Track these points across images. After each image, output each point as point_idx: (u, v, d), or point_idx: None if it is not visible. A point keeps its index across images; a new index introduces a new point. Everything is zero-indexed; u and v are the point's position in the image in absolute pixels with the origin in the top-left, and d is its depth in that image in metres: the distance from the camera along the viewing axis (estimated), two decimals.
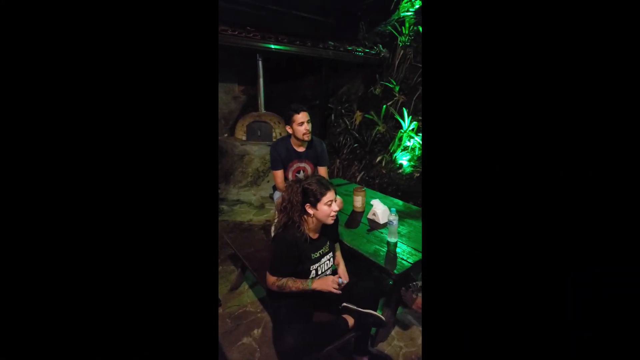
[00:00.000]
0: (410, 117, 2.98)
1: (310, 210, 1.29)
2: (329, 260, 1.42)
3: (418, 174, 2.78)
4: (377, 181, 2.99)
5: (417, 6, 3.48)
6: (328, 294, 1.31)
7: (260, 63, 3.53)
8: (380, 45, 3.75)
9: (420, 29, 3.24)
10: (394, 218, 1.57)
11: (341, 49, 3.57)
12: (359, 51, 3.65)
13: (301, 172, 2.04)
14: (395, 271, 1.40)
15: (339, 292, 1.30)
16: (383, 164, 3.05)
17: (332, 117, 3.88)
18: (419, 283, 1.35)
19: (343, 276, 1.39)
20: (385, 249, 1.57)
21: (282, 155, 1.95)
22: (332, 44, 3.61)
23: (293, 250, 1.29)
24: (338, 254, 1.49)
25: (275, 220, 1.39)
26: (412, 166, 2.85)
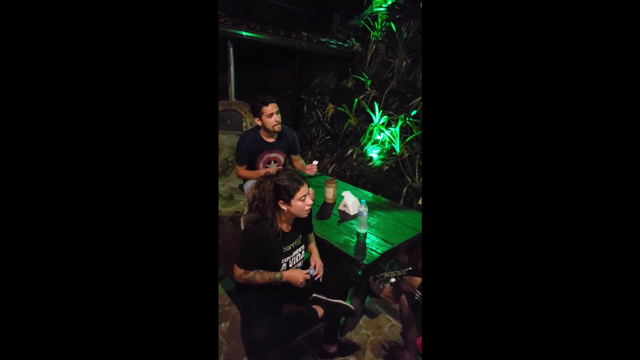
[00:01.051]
0: (381, 111, 3.03)
1: (284, 207, 1.27)
2: (300, 253, 1.41)
3: (387, 167, 2.84)
4: (348, 173, 3.03)
5: (389, 3, 3.53)
6: (296, 287, 1.31)
7: (231, 50, 3.39)
8: (354, 39, 3.76)
9: (393, 25, 3.29)
10: (364, 209, 1.59)
11: (314, 41, 3.53)
12: (332, 44, 3.64)
13: (272, 162, 2.00)
14: (364, 261, 1.42)
15: (302, 285, 1.31)
16: (354, 156, 3.08)
17: (305, 109, 3.84)
18: (386, 274, 1.39)
19: (317, 265, 1.39)
20: (355, 240, 1.59)
21: (250, 148, 1.89)
22: (306, 34, 3.55)
23: (264, 244, 1.26)
24: (312, 244, 1.49)
25: (245, 214, 1.35)
26: (381, 159, 2.91)
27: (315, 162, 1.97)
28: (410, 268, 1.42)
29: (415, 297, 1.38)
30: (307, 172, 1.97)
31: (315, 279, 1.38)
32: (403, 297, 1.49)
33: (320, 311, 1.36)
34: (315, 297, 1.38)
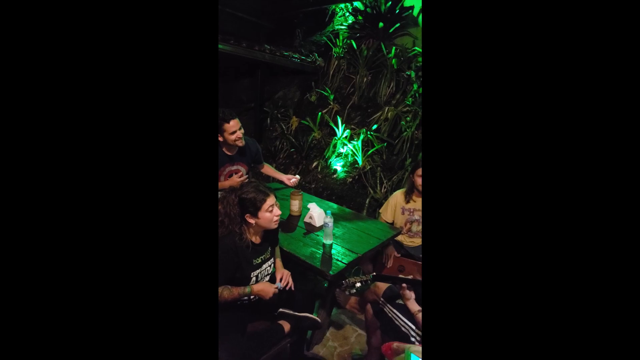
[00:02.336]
0: (344, 125, 3.13)
1: (252, 220, 1.24)
2: (269, 266, 1.38)
3: (351, 179, 2.92)
4: (313, 186, 3.05)
5: (350, 21, 3.71)
6: (265, 301, 1.28)
7: None
8: (316, 54, 3.87)
9: (354, 43, 3.45)
10: (329, 220, 1.62)
11: (277, 54, 3.57)
12: (296, 57, 3.71)
13: (233, 175, 1.95)
14: (330, 272, 1.43)
15: (271, 299, 1.28)
16: (319, 169, 3.12)
17: (268, 121, 3.83)
18: (352, 279, 1.41)
19: (284, 276, 1.37)
20: (321, 252, 1.60)
21: None
22: (269, 47, 3.58)
23: (233, 258, 1.21)
24: (278, 259, 1.47)
25: None
26: (345, 172, 2.99)
27: (297, 177, 1.98)
28: (375, 273, 1.45)
29: (381, 306, 1.41)
30: (286, 183, 1.96)
31: (287, 288, 1.36)
32: (368, 305, 1.51)
33: (286, 326, 1.34)
34: (281, 311, 1.35)
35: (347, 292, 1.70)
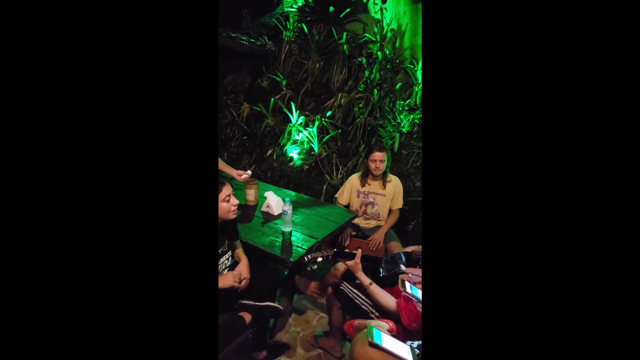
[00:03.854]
0: (298, 111, 3.08)
1: None
2: (227, 259, 1.32)
3: (307, 167, 2.91)
4: (269, 174, 2.98)
5: (300, 4, 3.61)
6: (224, 293, 1.22)
7: None
8: (266, 37, 3.71)
9: (305, 27, 3.38)
10: (288, 207, 1.59)
11: (224, 35, 3.34)
12: (244, 40, 3.51)
13: None
14: (291, 259, 1.42)
15: (241, 286, 1.24)
16: (274, 157, 3.06)
17: (217, 108, 3.61)
18: (313, 255, 1.42)
19: (243, 272, 1.32)
20: (280, 240, 1.58)
21: None
22: None
23: None
24: (239, 250, 1.41)
25: None
26: (301, 159, 2.97)
27: (248, 172, 1.89)
28: (335, 249, 1.48)
29: (341, 287, 1.45)
30: (237, 178, 1.88)
31: (238, 290, 1.31)
32: (329, 288, 1.55)
33: (247, 317, 1.31)
34: (242, 303, 1.32)
35: (309, 269, 1.71)
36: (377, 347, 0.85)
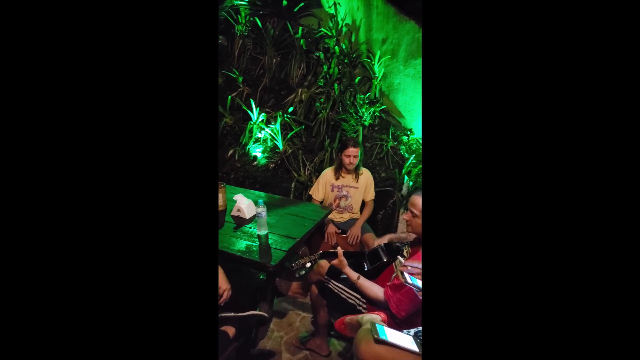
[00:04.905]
0: (258, 108, 2.97)
1: None
2: None
3: (273, 165, 2.83)
4: (232, 176, 2.84)
5: None
6: None
7: None
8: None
9: (258, 21, 3.25)
10: (262, 209, 1.52)
11: None
12: None
13: None
14: (272, 262, 1.36)
15: (223, 299, 1.15)
16: (236, 157, 2.91)
17: None
18: (301, 261, 1.38)
19: (222, 284, 1.23)
20: (257, 244, 1.50)
21: None
22: None
23: None
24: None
25: None
26: (266, 157, 2.87)
27: None
28: (321, 251, 1.46)
29: (325, 284, 1.43)
30: None
31: (221, 304, 1.22)
32: (313, 286, 1.52)
33: (231, 331, 1.22)
34: (222, 316, 1.23)
35: (297, 275, 1.66)
36: (384, 342, 0.84)
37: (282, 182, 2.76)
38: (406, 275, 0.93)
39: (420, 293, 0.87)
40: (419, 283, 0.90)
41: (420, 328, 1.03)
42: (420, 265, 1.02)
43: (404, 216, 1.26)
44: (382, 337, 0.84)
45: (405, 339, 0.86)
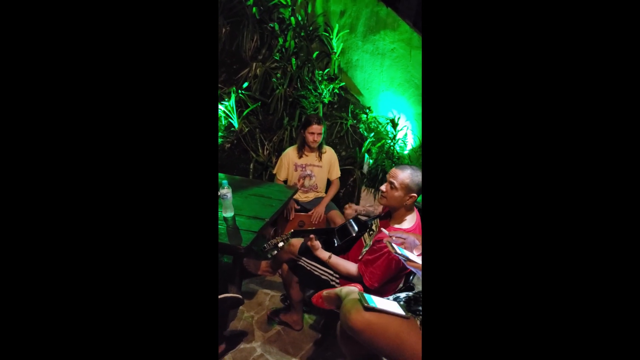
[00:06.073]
0: None
1: None
2: None
3: (229, 145, 2.69)
4: None
5: None
6: None
7: None
8: None
9: None
10: (227, 191, 1.46)
11: None
12: None
13: None
14: (243, 244, 1.33)
15: None
16: None
17: None
18: (273, 241, 1.37)
19: None
20: (224, 226, 1.44)
21: None
22: None
23: None
24: None
25: None
26: (221, 137, 2.71)
27: None
28: (293, 230, 1.46)
29: (298, 262, 1.45)
30: None
31: None
32: (284, 264, 1.53)
33: None
34: None
35: (269, 255, 1.65)
36: (374, 309, 0.89)
37: (239, 162, 2.65)
38: (395, 245, 0.98)
39: (410, 262, 0.93)
40: (407, 253, 0.96)
41: (398, 295, 1.11)
42: (404, 235, 1.08)
43: (381, 187, 1.28)
44: (371, 304, 0.89)
45: (392, 305, 0.93)
